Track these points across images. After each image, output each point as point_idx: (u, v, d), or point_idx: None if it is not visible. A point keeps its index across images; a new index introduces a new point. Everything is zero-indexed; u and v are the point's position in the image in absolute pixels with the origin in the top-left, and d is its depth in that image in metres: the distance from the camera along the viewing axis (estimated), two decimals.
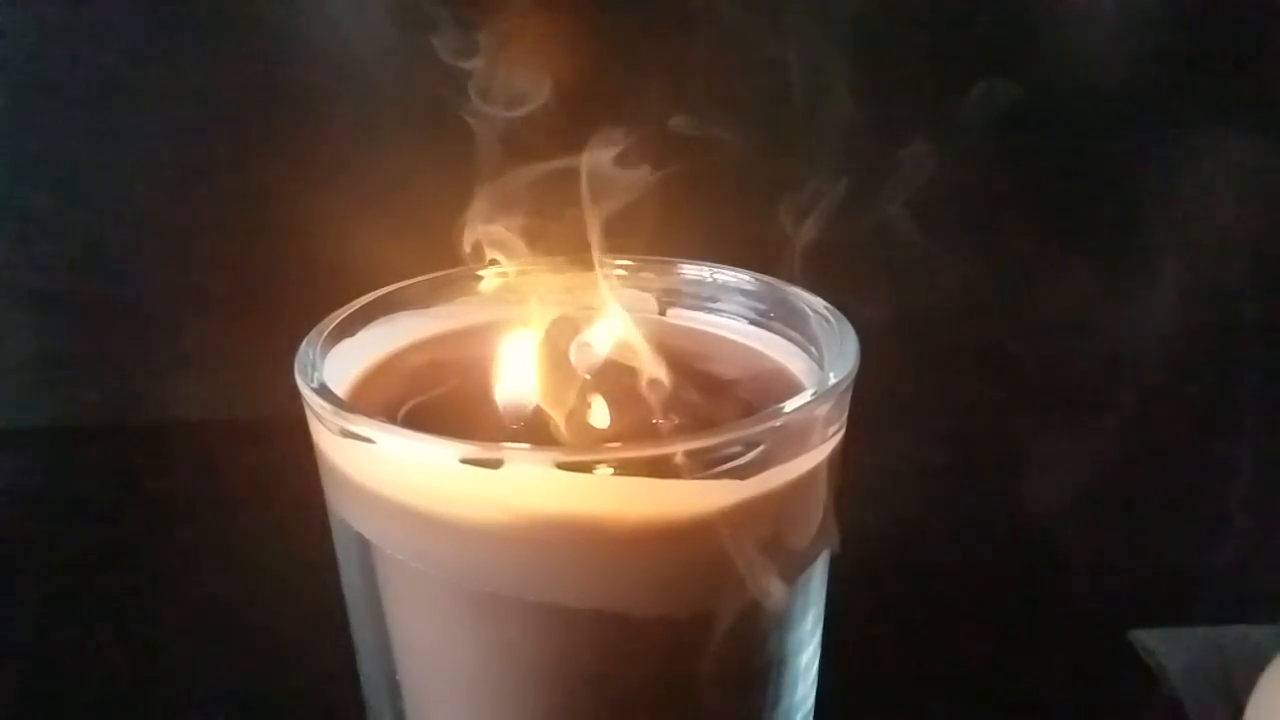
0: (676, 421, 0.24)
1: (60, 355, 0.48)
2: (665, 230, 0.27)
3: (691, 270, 0.29)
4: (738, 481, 0.21)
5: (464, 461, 0.20)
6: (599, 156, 0.26)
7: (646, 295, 0.29)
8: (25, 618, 0.36)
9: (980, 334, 0.48)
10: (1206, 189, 0.47)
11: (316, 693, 0.31)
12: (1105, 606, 0.38)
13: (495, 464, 0.20)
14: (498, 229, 0.27)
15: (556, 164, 0.26)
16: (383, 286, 0.27)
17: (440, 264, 0.28)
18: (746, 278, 0.28)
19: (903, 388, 0.39)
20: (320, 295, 0.26)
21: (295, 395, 0.23)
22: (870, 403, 0.25)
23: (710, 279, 0.28)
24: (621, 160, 0.26)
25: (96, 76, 0.44)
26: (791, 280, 0.27)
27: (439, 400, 0.26)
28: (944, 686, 0.33)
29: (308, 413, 0.23)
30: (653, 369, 0.25)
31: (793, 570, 0.24)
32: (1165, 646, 0.38)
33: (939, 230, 0.47)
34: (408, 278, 0.27)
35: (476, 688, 0.23)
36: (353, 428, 0.22)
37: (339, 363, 0.25)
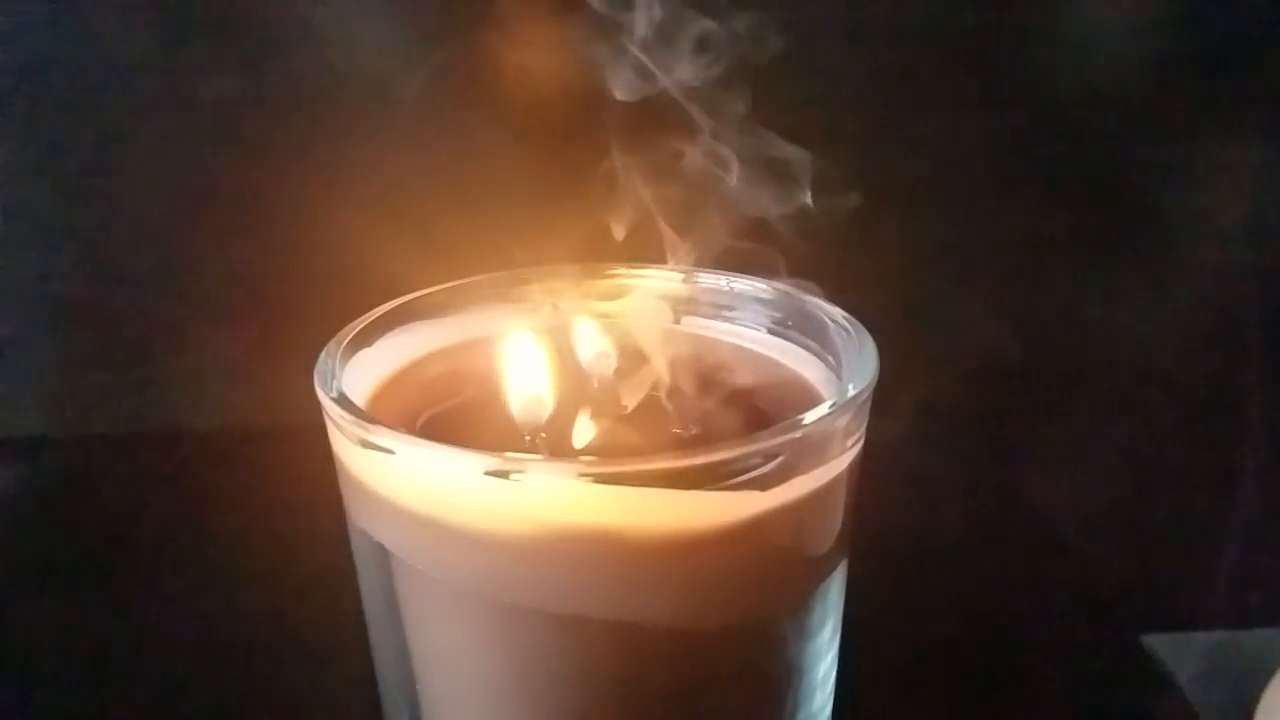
0: (695, 432, 0.24)
1: (74, 364, 0.48)
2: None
3: (708, 279, 0.29)
4: (758, 493, 0.21)
5: (487, 474, 0.20)
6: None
7: (663, 303, 0.29)
8: (39, 626, 0.36)
9: (990, 339, 0.48)
10: (1217, 193, 0.47)
11: (336, 702, 0.31)
12: (1117, 612, 0.38)
13: (517, 475, 0.20)
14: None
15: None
16: (401, 295, 0.27)
17: (458, 273, 0.28)
18: (763, 286, 0.28)
19: (915, 394, 0.39)
20: (339, 303, 0.26)
21: (315, 403, 0.23)
22: (885, 409, 0.25)
23: (727, 287, 0.28)
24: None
25: (109, 85, 0.44)
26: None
27: (458, 409, 0.26)
28: (958, 693, 0.33)
29: (327, 422, 0.23)
30: (670, 378, 0.25)
31: (811, 580, 0.24)
32: (1176, 651, 0.38)
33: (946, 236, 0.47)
34: (426, 287, 0.27)
35: (496, 698, 0.23)
36: (372, 438, 0.22)
37: (358, 372, 0.25)
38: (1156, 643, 0.39)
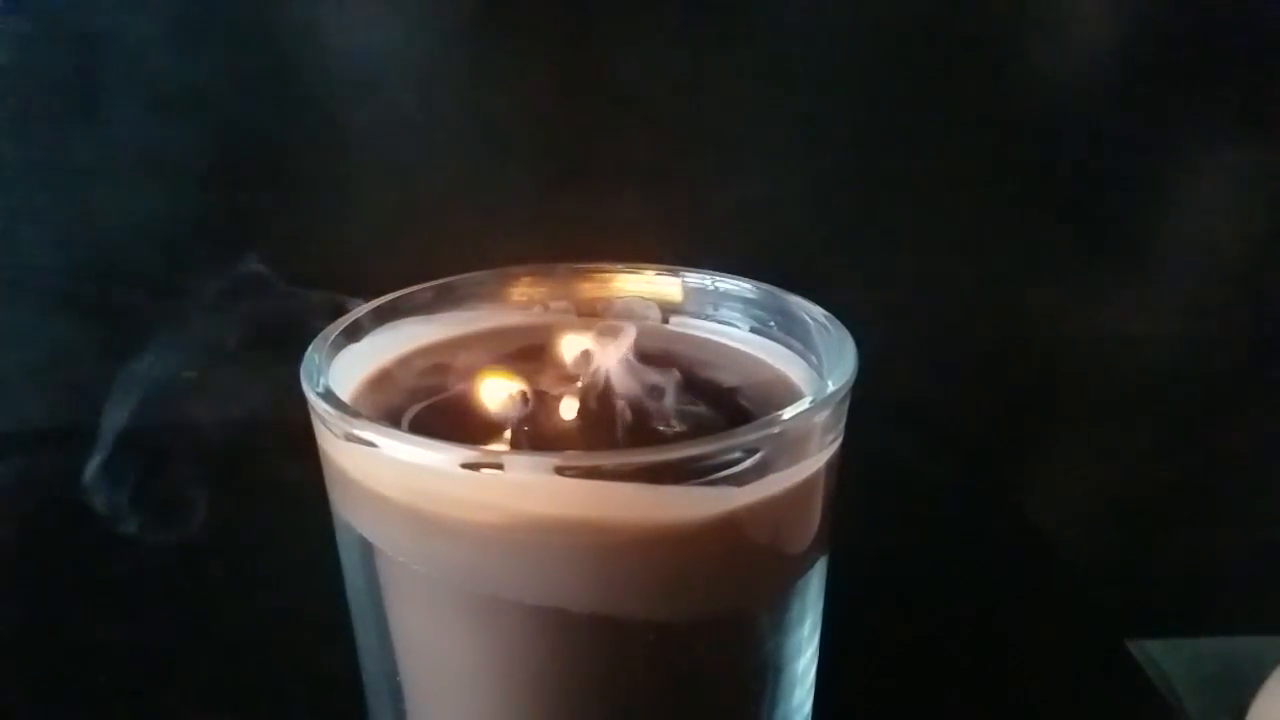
0: (676, 428, 0.25)
1: (65, 358, 0.48)
2: None
3: (694, 278, 0.29)
4: (735, 488, 0.21)
5: (464, 466, 0.21)
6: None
7: (649, 302, 0.29)
8: (31, 619, 0.37)
9: (981, 339, 0.48)
10: (1206, 197, 0.47)
11: (319, 693, 0.31)
12: (1107, 616, 0.38)
13: (495, 469, 0.21)
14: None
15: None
16: (389, 292, 0.27)
17: (447, 269, 0.28)
18: (748, 286, 0.28)
19: (903, 393, 0.39)
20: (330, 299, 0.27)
21: (302, 398, 0.24)
22: (871, 407, 0.25)
23: (712, 287, 0.29)
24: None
25: (103, 79, 0.45)
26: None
27: (444, 405, 0.26)
28: (942, 695, 0.33)
29: (313, 417, 0.23)
30: (654, 376, 0.25)
31: (790, 576, 0.24)
32: (1168, 656, 0.38)
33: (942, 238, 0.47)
34: (415, 283, 0.28)
35: (476, 689, 0.23)
36: (356, 432, 0.22)
37: (345, 367, 0.26)
38: (1150, 647, 0.38)
